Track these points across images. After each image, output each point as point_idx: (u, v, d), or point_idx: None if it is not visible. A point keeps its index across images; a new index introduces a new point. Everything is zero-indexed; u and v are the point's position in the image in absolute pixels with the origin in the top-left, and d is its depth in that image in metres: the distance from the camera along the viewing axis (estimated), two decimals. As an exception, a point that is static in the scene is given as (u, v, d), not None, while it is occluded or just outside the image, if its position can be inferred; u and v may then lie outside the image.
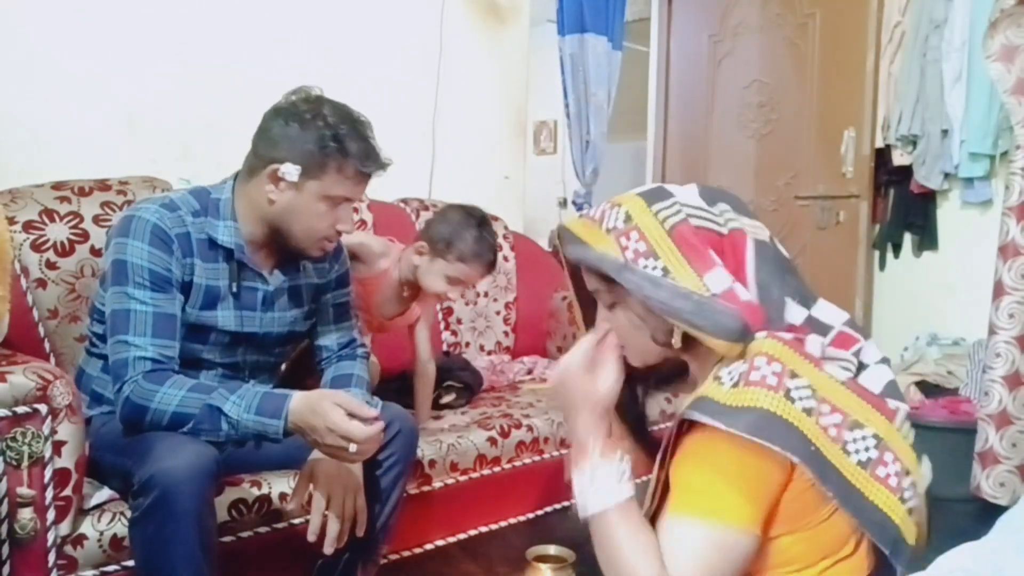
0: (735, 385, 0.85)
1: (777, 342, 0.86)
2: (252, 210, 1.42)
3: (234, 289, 1.44)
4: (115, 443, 1.34)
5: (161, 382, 1.30)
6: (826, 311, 0.95)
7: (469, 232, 1.76)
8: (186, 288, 1.39)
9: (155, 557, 1.20)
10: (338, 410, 1.24)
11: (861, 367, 0.93)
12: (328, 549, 1.33)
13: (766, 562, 0.89)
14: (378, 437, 1.29)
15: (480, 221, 1.80)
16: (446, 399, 2.10)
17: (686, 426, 0.89)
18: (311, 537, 1.32)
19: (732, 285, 0.89)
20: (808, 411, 0.83)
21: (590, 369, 0.96)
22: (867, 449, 0.85)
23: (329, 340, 1.62)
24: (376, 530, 1.48)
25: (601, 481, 0.91)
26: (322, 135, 1.35)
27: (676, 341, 0.94)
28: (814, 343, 0.90)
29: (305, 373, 1.67)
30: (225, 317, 1.44)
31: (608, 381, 0.96)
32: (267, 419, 1.26)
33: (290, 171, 1.35)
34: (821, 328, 0.93)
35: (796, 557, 0.89)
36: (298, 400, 1.28)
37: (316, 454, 1.34)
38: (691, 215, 0.92)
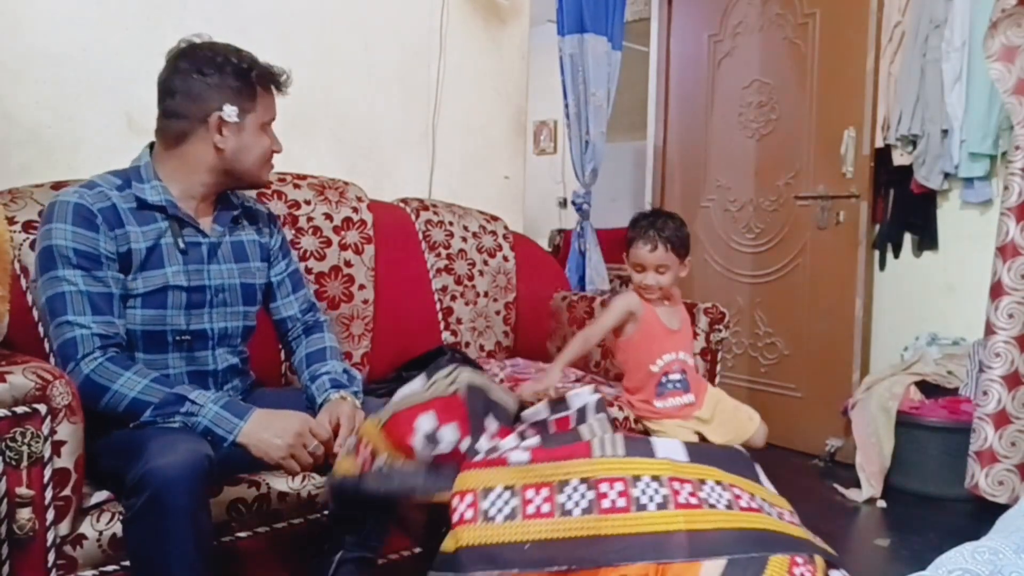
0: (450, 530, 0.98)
1: (466, 472, 0.97)
2: (191, 170, 1.46)
3: (181, 245, 1.45)
4: (108, 444, 1.34)
5: (126, 367, 1.33)
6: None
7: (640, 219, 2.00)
8: (125, 258, 1.40)
9: (150, 557, 1.21)
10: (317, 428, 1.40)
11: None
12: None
13: None
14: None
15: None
16: None
17: None
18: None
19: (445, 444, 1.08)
20: (511, 516, 0.91)
21: None
22: (583, 496, 0.91)
23: (292, 310, 1.68)
24: (369, 530, 1.48)
25: None
26: (239, 70, 1.43)
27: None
28: (509, 442, 1.00)
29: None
30: (175, 273, 1.44)
31: None
32: (229, 415, 1.34)
33: (231, 112, 1.42)
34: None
35: None
36: (262, 411, 1.37)
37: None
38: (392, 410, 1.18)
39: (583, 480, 0.89)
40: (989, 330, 2.31)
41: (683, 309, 2.11)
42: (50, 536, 1.23)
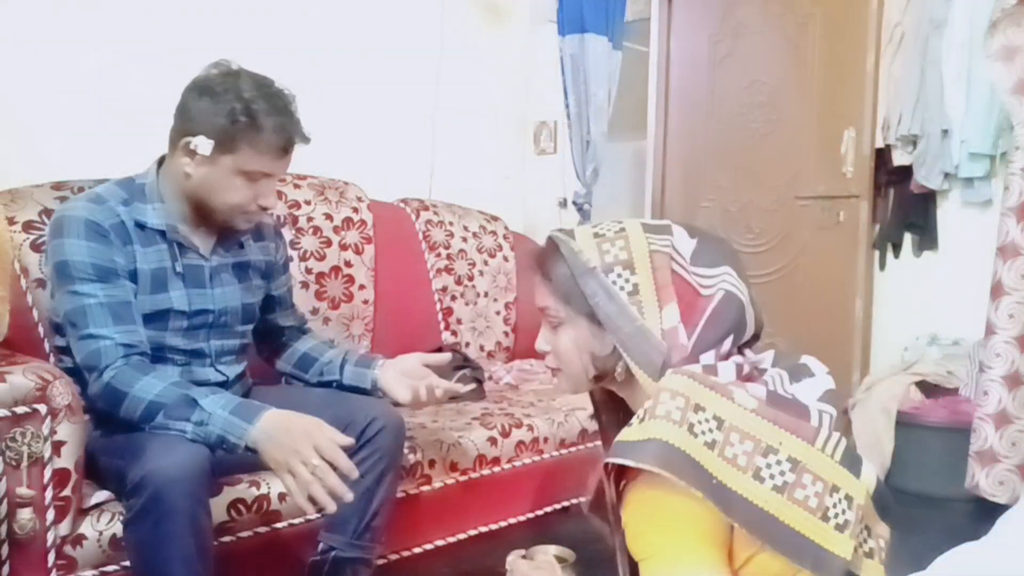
0: (641, 421, 0.86)
1: (683, 376, 0.87)
2: (174, 186, 1.43)
3: (178, 269, 1.44)
4: (108, 445, 1.34)
5: (145, 371, 1.31)
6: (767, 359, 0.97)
7: None
8: (132, 276, 1.39)
9: (150, 558, 1.20)
10: (335, 434, 1.27)
11: (793, 379, 0.93)
12: (330, 508, 1.26)
13: None
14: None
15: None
16: (465, 389, 2.09)
17: (624, 476, 0.90)
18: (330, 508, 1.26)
19: (678, 325, 0.91)
20: (711, 444, 0.84)
21: None
22: (782, 473, 0.84)
23: (289, 321, 1.71)
24: (362, 531, 1.47)
25: None
26: (232, 108, 1.35)
27: (620, 374, 0.95)
28: (727, 369, 0.90)
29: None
30: (178, 298, 1.44)
31: None
32: (238, 420, 1.26)
33: (202, 144, 1.35)
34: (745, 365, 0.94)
35: None
36: (277, 411, 1.29)
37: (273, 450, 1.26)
38: (674, 258, 0.94)
39: (790, 459, 0.85)
40: (989, 330, 2.31)
41: None
42: (50, 536, 1.23)
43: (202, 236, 1.48)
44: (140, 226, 1.41)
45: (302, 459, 1.23)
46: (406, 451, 1.63)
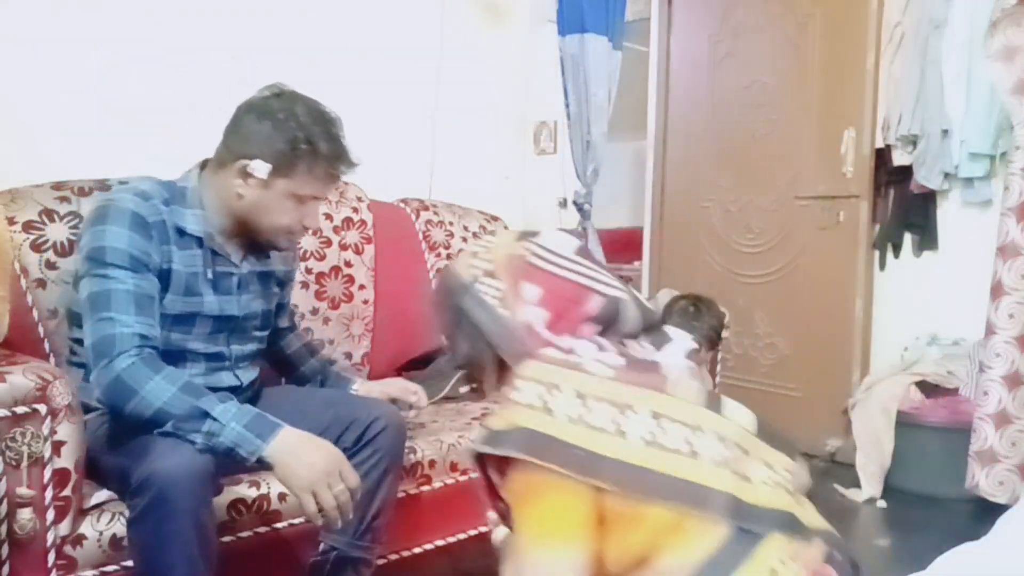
0: (503, 410, 0.92)
1: (538, 362, 0.93)
2: (220, 201, 1.44)
3: (210, 275, 1.45)
4: (112, 444, 1.34)
5: (157, 370, 1.29)
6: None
7: None
8: (164, 276, 1.39)
9: (153, 557, 1.20)
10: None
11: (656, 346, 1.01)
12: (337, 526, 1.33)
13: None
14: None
15: None
16: (464, 388, 2.10)
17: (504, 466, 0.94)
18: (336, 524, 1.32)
19: (534, 317, 0.96)
20: (574, 419, 0.88)
21: None
22: (647, 427, 0.88)
23: (287, 322, 1.77)
24: (363, 531, 1.48)
25: None
26: (294, 136, 1.37)
27: (491, 370, 1.01)
28: (585, 347, 0.95)
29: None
30: (208, 302, 1.46)
31: None
32: (252, 436, 1.26)
33: (260, 168, 1.38)
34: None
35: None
36: (294, 431, 1.29)
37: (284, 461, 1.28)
38: (536, 254, 1.00)
39: (651, 412, 0.89)
40: (989, 330, 2.31)
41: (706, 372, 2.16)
42: (50, 536, 1.23)
43: (235, 245, 1.51)
44: (179, 230, 1.42)
45: (329, 484, 1.26)
46: (406, 451, 1.63)
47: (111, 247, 1.33)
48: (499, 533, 1.03)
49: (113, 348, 1.28)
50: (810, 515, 0.93)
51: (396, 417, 1.54)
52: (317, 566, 1.49)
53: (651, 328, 1.03)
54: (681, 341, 0.99)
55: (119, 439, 1.32)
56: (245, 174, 1.39)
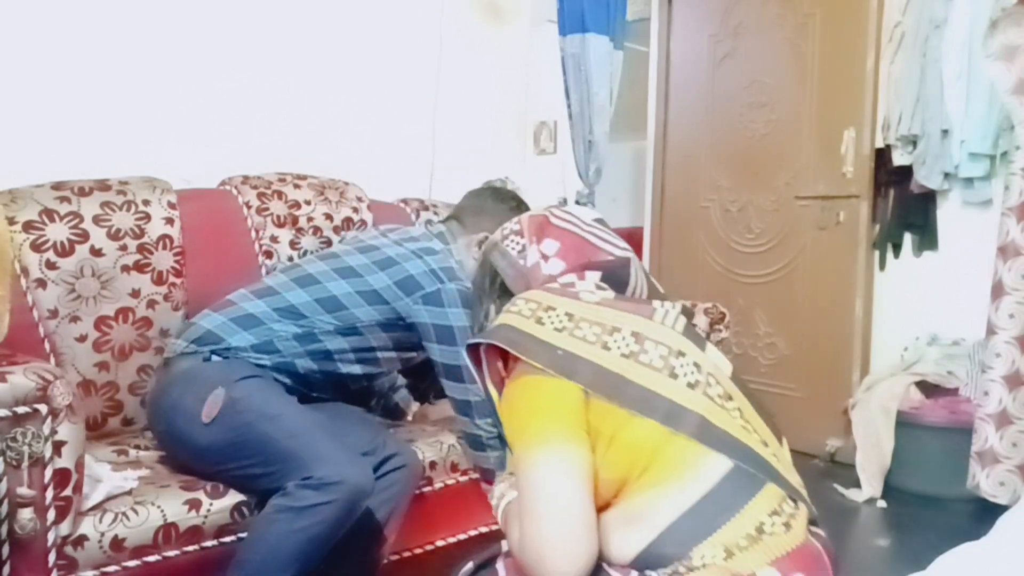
0: (498, 316, 1.02)
1: (539, 291, 1.02)
2: (460, 265, 1.72)
3: None
4: (283, 425, 1.40)
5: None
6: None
7: None
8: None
9: (287, 549, 1.29)
10: None
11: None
12: None
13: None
14: None
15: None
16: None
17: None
18: None
19: (540, 261, 1.07)
20: (560, 329, 0.95)
21: None
22: (627, 344, 0.94)
23: None
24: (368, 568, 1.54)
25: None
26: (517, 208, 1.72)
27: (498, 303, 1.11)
28: (584, 284, 1.03)
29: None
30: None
31: None
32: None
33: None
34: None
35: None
36: None
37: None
38: (555, 214, 1.12)
39: (633, 334, 0.94)
40: (990, 330, 2.31)
41: None
42: (51, 536, 1.23)
43: None
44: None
45: None
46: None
47: (457, 327, 1.62)
48: (500, 506, 1.04)
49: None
50: (784, 466, 0.97)
51: (416, 460, 1.65)
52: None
53: (653, 297, 1.09)
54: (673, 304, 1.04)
55: (290, 420, 1.40)
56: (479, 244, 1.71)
